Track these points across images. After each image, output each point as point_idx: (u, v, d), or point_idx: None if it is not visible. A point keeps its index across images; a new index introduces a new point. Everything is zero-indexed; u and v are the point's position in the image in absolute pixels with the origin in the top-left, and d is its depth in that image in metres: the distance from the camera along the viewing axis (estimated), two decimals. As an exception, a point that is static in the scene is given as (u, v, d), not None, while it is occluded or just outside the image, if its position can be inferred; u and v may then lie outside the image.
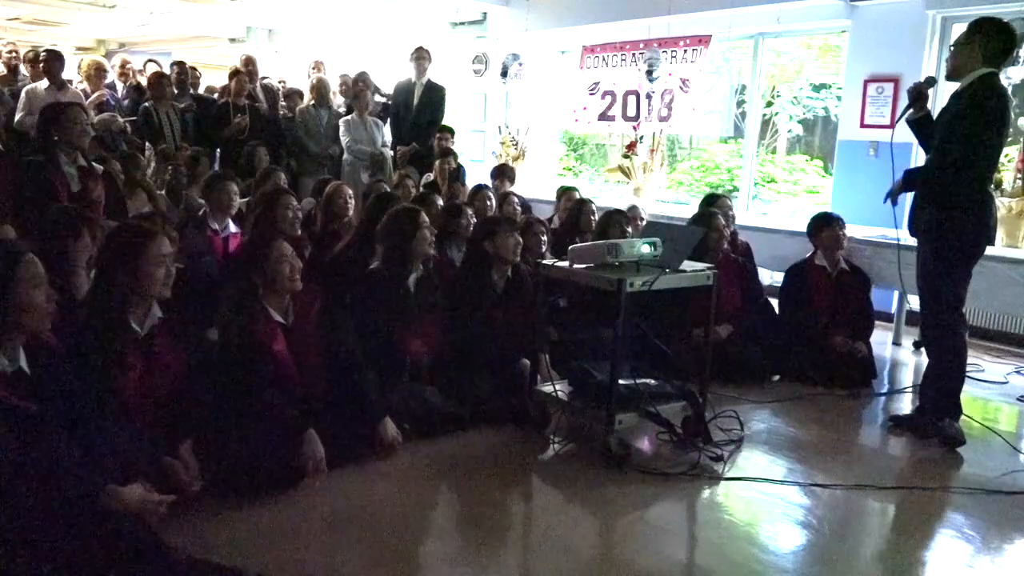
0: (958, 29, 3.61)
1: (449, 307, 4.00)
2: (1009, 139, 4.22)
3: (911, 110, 3.65)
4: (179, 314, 2.89)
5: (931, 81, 3.64)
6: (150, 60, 8.34)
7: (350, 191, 4.94)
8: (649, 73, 7.16)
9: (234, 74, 7.03)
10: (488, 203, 5.58)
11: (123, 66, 7.55)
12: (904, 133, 3.91)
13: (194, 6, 9.84)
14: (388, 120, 7.42)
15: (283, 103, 7.84)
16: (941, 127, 3.50)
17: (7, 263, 2.18)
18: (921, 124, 3.66)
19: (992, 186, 3.87)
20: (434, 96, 7.25)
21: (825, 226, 4.74)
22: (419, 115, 7.19)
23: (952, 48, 3.53)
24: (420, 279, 3.79)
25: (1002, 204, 4.85)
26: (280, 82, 8.76)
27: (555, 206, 6.16)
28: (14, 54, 7.57)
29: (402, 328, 3.63)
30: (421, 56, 7.21)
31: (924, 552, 2.75)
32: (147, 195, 4.82)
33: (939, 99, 5.69)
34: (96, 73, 7.14)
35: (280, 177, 5.38)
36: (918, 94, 3.62)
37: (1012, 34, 3.45)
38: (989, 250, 3.67)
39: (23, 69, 7.39)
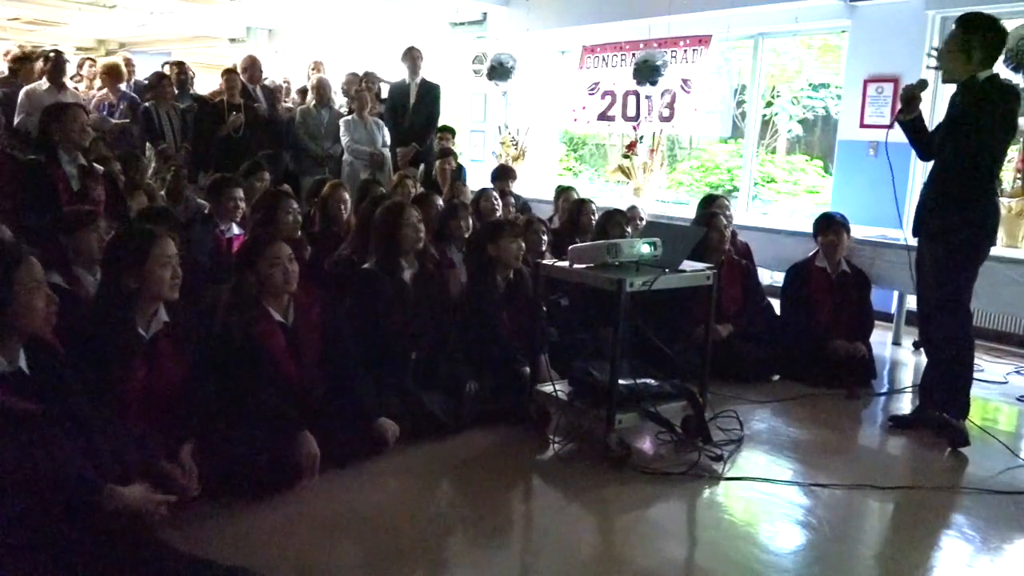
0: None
1: (451, 307, 4.01)
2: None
3: (902, 112, 3.64)
4: (184, 316, 2.89)
5: (923, 84, 3.62)
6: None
7: (346, 195, 4.95)
8: (655, 72, 7.13)
9: (226, 73, 7.03)
10: (493, 204, 5.58)
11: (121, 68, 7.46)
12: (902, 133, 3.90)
13: (194, 6, 9.84)
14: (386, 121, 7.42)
15: (286, 104, 7.85)
16: (952, 129, 3.45)
17: (6, 265, 2.17)
18: (914, 127, 3.65)
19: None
20: (430, 95, 7.25)
21: (824, 230, 4.74)
22: (416, 115, 7.20)
23: (944, 51, 3.47)
24: (417, 275, 3.80)
25: (1002, 204, 4.84)
26: (285, 81, 8.75)
27: (554, 206, 6.17)
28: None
29: (401, 325, 3.63)
30: (413, 56, 7.20)
31: (924, 552, 2.75)
32: (147, 197, 4.82)
33: (939, 100, 5.73)
34: (110, 75, 7.09)
35: (264, 176, 5.36)
36: (911, 97, 3.60)
37: (1003, 32, 3.45)
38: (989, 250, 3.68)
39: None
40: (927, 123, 3.72)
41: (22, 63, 6.81)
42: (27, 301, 2.17)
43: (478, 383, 3.70)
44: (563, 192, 6.17)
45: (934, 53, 3.53)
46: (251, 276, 3.09)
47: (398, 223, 3.73)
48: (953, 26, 3.50)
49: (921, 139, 3.67)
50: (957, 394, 3.59)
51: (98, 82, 7.49)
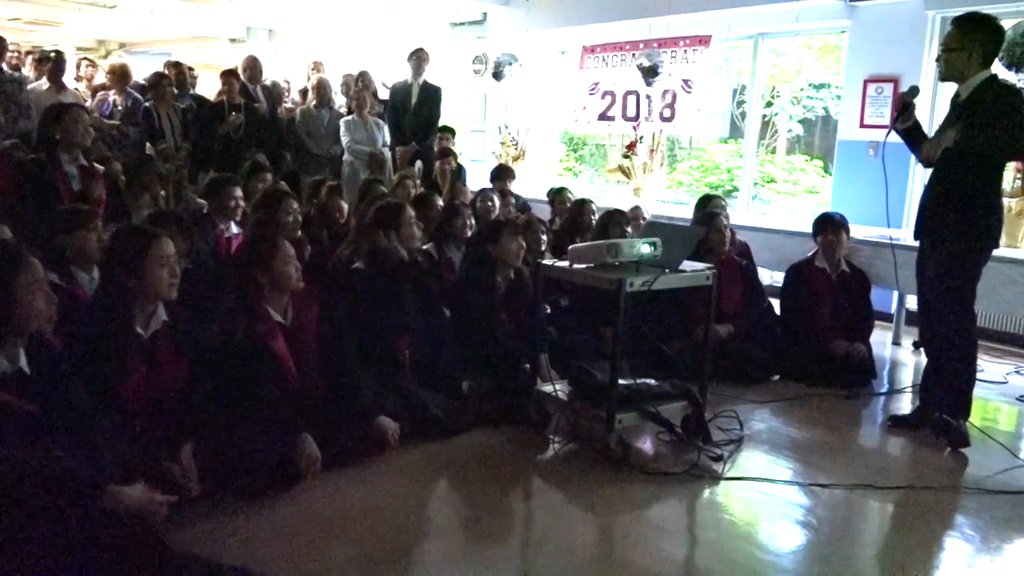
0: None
1: (451, 307, 4.01)
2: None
3: (899, 121, 3.63)
4: (183, 315, 2.89)
5: (915, 91, 3.62)
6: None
7: (343, 203, 4.98)
8: (653, 72, 7.15)
9: (225, 74, 7.04)
10: (490, 204, 5.59)
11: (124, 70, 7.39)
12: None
13: (194, 6, 9.85)
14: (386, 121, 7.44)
15: (287, 104, 7.85)
16: (952, 131, 3.46)
17: (7, 266, 2.17)
18: (911, 133, 3.64)
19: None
20: (431, 96, 7.28)
21: (823, 230, 4.74)
22: (417, 115, 7.21)
23: (943, 51, 3.48)
24: (412, 275, 3.80)
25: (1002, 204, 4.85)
26: (285, 81, 8.76)
27: (551, 208, 6.16)
28: (17, 54, 7.54)
29: (394, 325, 3.62)
30: (420, 57, 7.24)
31: (924, 552, 2.75)
32: (151, 198, 4.81)
33: (939, 101, 5.73)
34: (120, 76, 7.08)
35: (266, 177, 5.36)
36: (904, 105, 3.60)
37: (1002, 31, 3.45)
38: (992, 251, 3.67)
39: (25, 70, 7.38)
40: (928, 125, 3.72)
41: (42, 64, 6.83)
42: (28, 302, 2.18)
43: (475, 382, 3.70)
44: (558, 193, 6.17)
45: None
46: (262, 276, 3.09)
47: (390, 223, 3.73)
48: (951, 25, 3.50)
49: (921, 145, 3.66)
50: (959, 395, 3.58)
51: (98, 81, 7.49)
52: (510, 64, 8.35)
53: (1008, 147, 3.36)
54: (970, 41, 3.37)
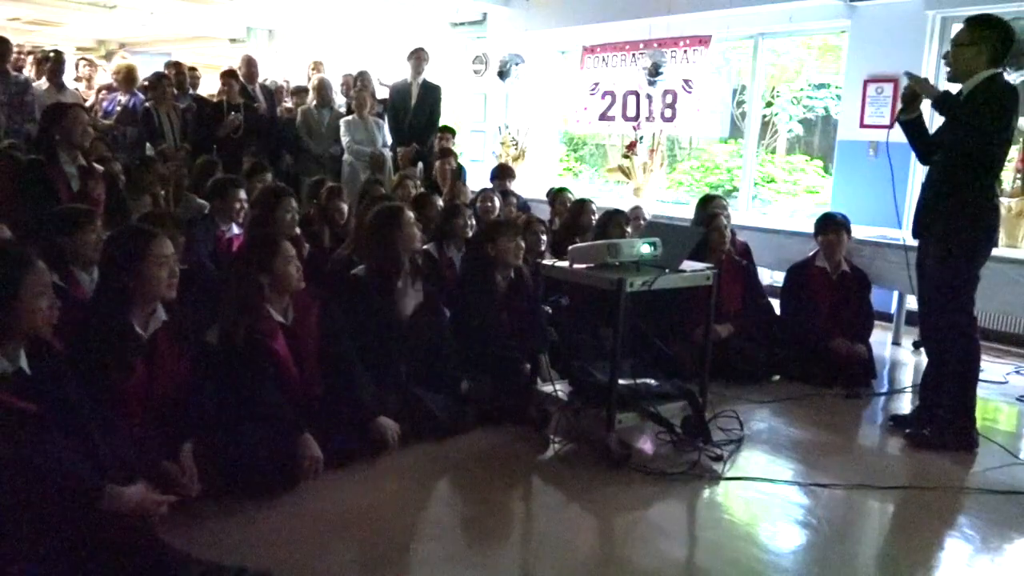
0: (958, 29, 3.60)
1: (451, 307, 4.01)
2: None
3: (905, 111, 3.64)
4: (183, 315, 2.89)
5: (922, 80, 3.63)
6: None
7: (343, 205, 4.97)
8: (656, 72, 7.16)
9: (225, 75, 7.04)
10: (490, 204, 5.59)
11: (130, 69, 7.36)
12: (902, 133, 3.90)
13: (194, 6, 9.85)
14: (387, 121, 7.44)
15: (287, 103, 7.85)
16: (951, 129, 3.46)
17: (15, 269, 2.18)
18: (914, 126, 3.64)
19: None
20: (431, 95, 7.28)
21: (824, 230, 4.74)
22: (417, 115, 7.21)
23: (953, 48, 3.49)
24: (410, 272, 3.80)
25: (1002, 204, 4.84)
26: (285, 82, 8.76)
27: (550, 208, 6.16)
28: (21, 55, 7.53)
29: (392, 333, 3.62)
30: (420, 56, 7.24)
31: (924, 552, 2.75)
32: (151, 199, 4.80)
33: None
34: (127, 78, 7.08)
35: (266, 178, 5.35)
36: (912, 96, 3.60)
37: (1013, 33, 3.45)
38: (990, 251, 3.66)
39: (25, 70, 7.38)
40: (928, 123, 3.72)
41: (42, 64, 6.83)
42: (33, 304, 2.18)
43: (475, 382, 3.70)
44: (558, 194, 6.17)
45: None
46: (263, 276, 3.08)
47: (392, 227, 3.72)
48: (963, 24, 3.50)
49: (921, 140, 3.66)
50: (960, 396, 3.56)
51: (98, 81, 7.49)
52: (516, 64, 8.36)
53: (985, 148, 3.36)
54: (981, 38, 3.37)
